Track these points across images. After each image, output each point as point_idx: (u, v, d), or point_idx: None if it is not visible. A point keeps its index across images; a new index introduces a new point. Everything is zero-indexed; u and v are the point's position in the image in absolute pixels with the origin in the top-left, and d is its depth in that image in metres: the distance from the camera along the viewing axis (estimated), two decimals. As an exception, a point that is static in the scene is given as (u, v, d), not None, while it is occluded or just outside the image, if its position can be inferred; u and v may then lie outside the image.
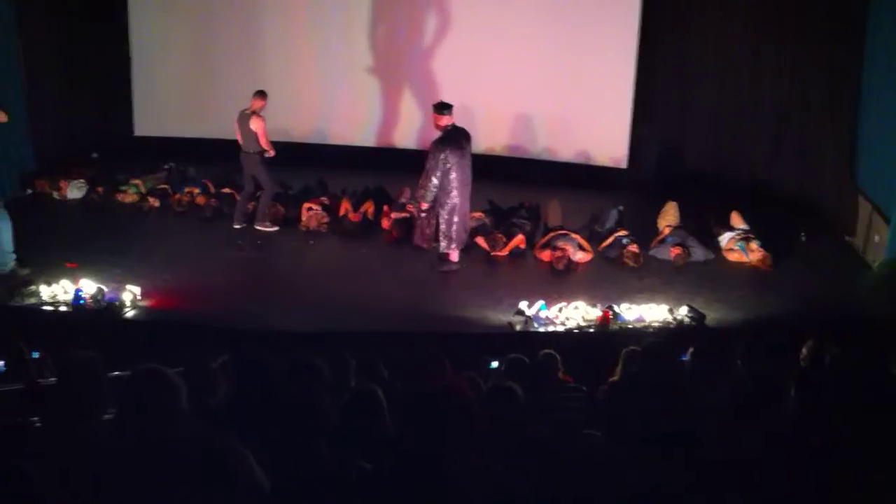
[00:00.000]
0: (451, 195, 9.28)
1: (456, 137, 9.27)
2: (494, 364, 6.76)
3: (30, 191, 11.66)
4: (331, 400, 4.22)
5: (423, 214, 9.56)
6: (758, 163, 12.04)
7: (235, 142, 10.51)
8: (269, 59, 13.11)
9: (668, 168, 12.31)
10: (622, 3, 12.25)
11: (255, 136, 10.31)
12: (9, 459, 2.92)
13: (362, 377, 5.12)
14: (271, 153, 10.44)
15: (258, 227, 10.70)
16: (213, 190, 11.51)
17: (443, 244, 9.50)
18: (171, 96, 13.35)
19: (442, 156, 9.11)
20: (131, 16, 13.26)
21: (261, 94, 10.38)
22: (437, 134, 9.36)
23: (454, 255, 9.64)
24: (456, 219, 9.42)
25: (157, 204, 11.47)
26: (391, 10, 12.85)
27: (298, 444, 3.30)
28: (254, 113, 10.31)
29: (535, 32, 12.44)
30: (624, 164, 12.71)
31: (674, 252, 9.93)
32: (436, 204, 9.35)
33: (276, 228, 10.75)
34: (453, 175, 9.20)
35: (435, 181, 9.16)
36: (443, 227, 9.40)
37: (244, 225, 10.75)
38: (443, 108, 9.23)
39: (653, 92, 12.44)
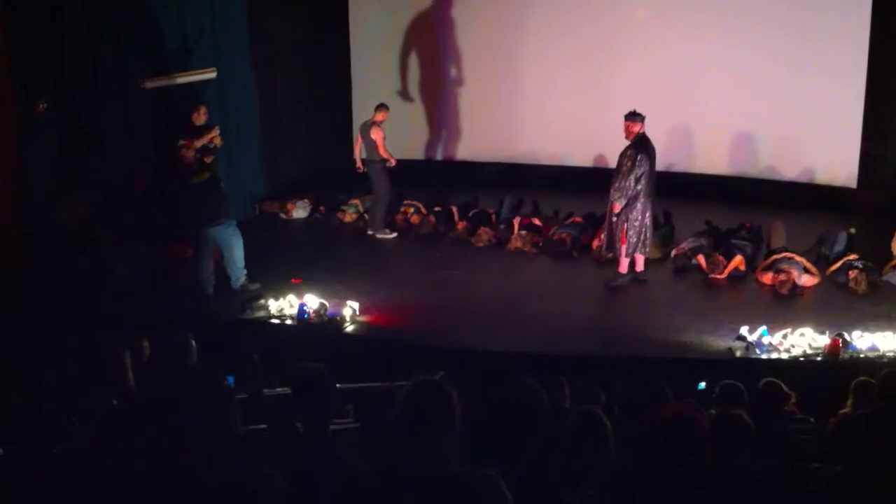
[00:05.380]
0: (640, 200, 9.22)
1: (647, 145, 9.30)
2: (702, 385, 6.53)
3: (255, 206, 12.36)
4: (548, 423, 4.15)
5: (614, 219, 9.44)
6: None
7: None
8: (478, 88, 13.52)
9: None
10: (851, 17, 11.58)
11: (374, 145, 10.91)
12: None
13: (579, 401, 5.03)
14: (392, 162, 11.05)
15: (376, 235, 11.27)
16: (424, 210, 11.80)
17: (625, 249, 9.39)
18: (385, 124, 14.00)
19: (638, 157, 9.12)
20: (353, 51, 14.17)
21: (383, 107, 11.12)
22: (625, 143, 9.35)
23: (624, 266, 9.54)
24: (642, 224, 9.33)
25: (374, 223, 11.87)
26: (613, 34, 12.81)
27: (525, 468, 3.25)
28: (374, 123, 10.99)
29: (759, 48, 12.02)
30: (853, 184, 11.99)
31: (911, 277, 9.24)
32: (624, 210, 9.27)
33: (394, 235, 11.31)
34: (644, 181, 9.17)
35: (630, 184, 9.14)
36: (630, 232, 9.31)
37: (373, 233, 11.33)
38: (635, 116, 9.31)
39: (886, 107, 11.65)
